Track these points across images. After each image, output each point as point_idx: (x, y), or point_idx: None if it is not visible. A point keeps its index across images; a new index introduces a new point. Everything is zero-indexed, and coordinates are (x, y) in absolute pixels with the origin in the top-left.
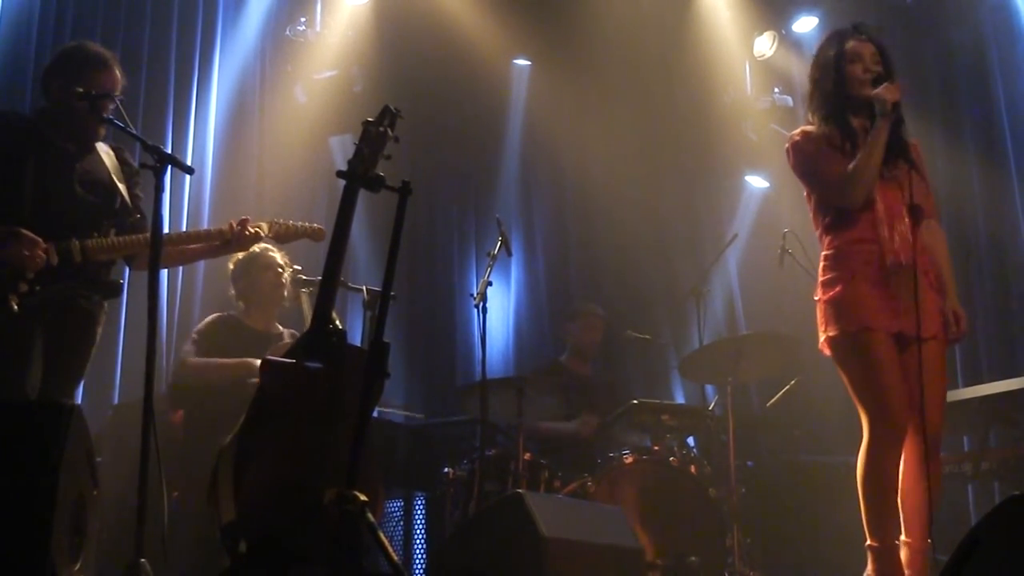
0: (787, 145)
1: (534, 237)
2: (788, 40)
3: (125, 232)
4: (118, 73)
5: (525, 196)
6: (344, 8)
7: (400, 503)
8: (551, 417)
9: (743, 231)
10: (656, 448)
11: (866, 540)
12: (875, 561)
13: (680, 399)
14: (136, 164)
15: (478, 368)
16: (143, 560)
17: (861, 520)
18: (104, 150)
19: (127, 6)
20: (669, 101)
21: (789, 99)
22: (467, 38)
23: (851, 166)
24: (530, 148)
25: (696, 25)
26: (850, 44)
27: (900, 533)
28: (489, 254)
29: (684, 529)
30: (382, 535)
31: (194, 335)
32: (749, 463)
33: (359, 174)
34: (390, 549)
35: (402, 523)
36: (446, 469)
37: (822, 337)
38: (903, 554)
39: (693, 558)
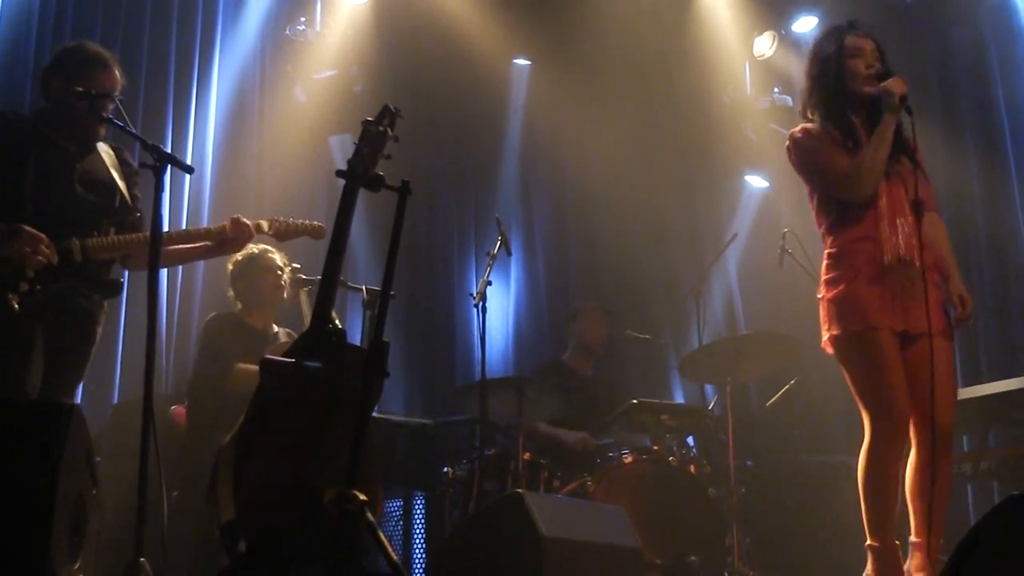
0: (788, 142)
1: (534, 237)
2: (788, 40)
3: (125, 231)
4: (118, 73)
5: (525, 196)
6: (344, 8)
7: (399, 503)
8: (551, 417)
9: (743, 231)
10: (656, 448)
11: (866, 540)
12: (875, 561)
13: (680, 399)
14: (136, 164)
15: (478, 368)
16: (143, 560)
17: (861, 520)
18: (104, 150)
19: (127, 6)
20: (669, 101)
21: (789, 99)
22: (467, 38)
23: (859, 159)
24: (530, 148)
25: (696, 25)
26: (849, 40)
27: (898, 533)
28: (489, 254)
29: (684, 529)
30: (381, 535)
31: (203, 343)
32: (749, 463)
33: (359, 174)
34: (389, 549)
35: (401, 523)
36: (445, 469)
37: (825, 336)
38: (915, 555)
39: (693, 558)
